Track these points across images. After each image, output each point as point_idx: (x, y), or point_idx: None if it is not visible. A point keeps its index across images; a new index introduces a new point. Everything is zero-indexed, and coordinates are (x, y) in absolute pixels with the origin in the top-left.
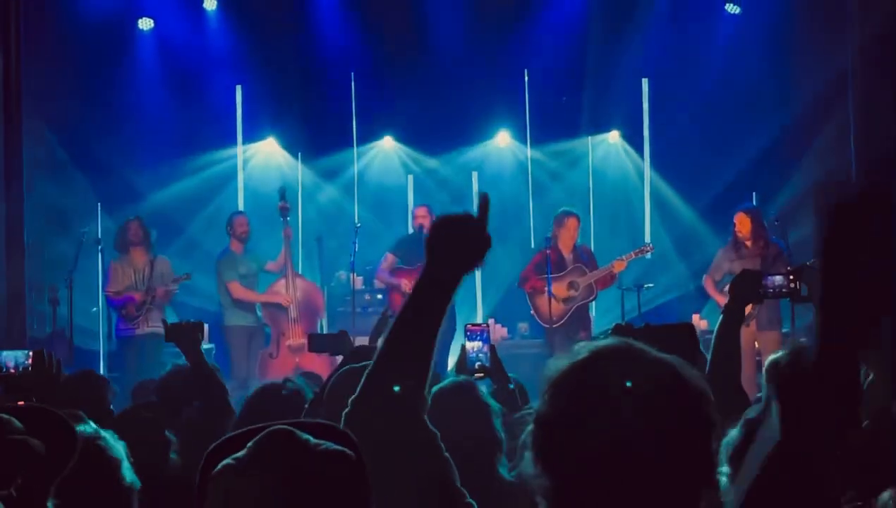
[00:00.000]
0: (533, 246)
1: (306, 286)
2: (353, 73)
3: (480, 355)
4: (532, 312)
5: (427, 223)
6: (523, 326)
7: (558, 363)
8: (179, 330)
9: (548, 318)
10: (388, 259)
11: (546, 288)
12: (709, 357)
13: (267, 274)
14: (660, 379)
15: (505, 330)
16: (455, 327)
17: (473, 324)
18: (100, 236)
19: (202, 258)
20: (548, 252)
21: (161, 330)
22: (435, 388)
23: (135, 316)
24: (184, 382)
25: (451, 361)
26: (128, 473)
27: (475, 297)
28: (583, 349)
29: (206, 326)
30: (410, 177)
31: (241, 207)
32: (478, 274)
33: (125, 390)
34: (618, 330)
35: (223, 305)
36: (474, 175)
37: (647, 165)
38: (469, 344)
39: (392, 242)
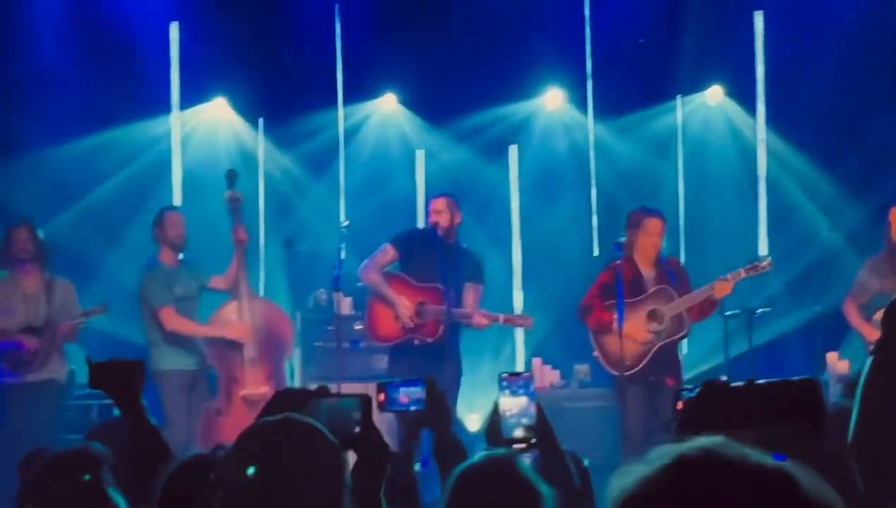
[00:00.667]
0: (597, 255)
1: (269, 311)
2: (337, 5)
3: (523, 418)
4: (595, 353)
5: (446, 221)
6: (582, 370)
7: (624, 480)
8: (110, 373)
9: (619, 362)
10: (387, 252)
11: (612, 319)
12: (854, 415)
13: (212, 295)
14: (768, 501)
15: (556, 374)
16: (460, 370)
17: (511, 374)
18: None
19: (120, 281)
20: (618, 266)
21: (59, 376)
22: (461, 467)
23: (28, 362)
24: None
25: (471, 420)
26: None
27: (514, 331)
28: (658, 457)
29: (146, 366)
30: (420, 155)
31: (176, 200)
32: (517, 296)
33: (4, 465)
34: (708, 392)
35: (150, 341)
36: (511, 152)
37: (760, 137)
38: (505, 402)
39: (395, 233)
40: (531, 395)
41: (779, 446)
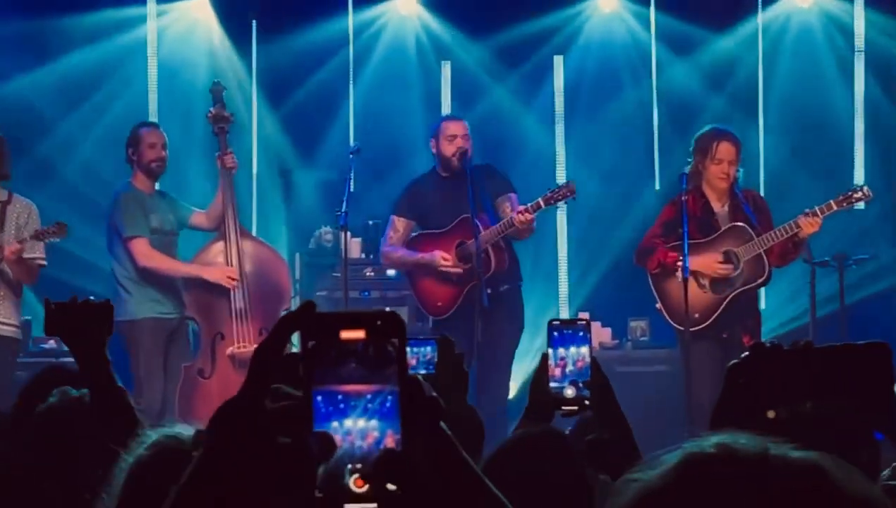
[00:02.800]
0: (658, 188)
1: (261, 253)
2: None
3: (576, 374)
4: (657, 305)
5: (466, 143)
6: (639, 326)
7: (630, 486)
8: (69, 317)
9: (684, 315)
10: (396, 224)
11: (680, 264)
12: None
13: (194, 234)
14: (792, 500)
15: (608, 333)
16: (522, 326)
17: (562, 321)
18: None
19: (88, 202)
20: (684, 200)
21: (10, 330)
22: (496, 447)
23: None
24: (64, 409)
25: (515, 384)
26: None
27: (557, 280)
28: (670, 459)
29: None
30: (446, 68)
31: (151, 115)
32: (562, 239)
33: None
34: (756, 356)
35: (120, 281)
36: (556, 63)
37: (859, 46)
38: (555, 354)
39: (399, 193)
40: (587, 347)
41: (838, 422)
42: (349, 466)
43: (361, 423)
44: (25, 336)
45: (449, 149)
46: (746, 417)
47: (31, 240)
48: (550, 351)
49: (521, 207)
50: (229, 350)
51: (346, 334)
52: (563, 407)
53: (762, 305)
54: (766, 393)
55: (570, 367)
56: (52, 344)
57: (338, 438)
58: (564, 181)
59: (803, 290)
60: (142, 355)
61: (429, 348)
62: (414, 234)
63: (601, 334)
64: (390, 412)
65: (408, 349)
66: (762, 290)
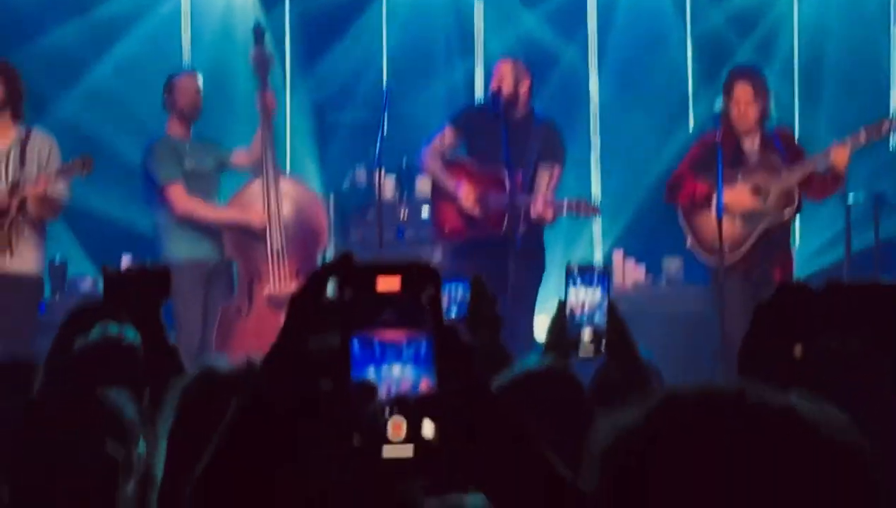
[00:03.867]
0: (692, 126)
1: (299, 194)
2: None
3: (593, 318)
4: (689, 240)
5: (509, 88)
6: (673, 264)
7: (609, 425)
8: (130, 284)
9: (715, 250)
10: (446, 135)
11: (712, 197)
12: None
13: (231, 175)
14: (767, 441)
15: (641, 269)
16: (544, 266)
17: (580, 265)
18: None
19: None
20: (717, 137)
21: (32, 268)
22: (507, 376)
23: None
24: (99, 362)
25: (541, 326)
26: None
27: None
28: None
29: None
30: (479, 7)
31: (186, 60)
32: (595, 177)
33: None
34: (782, 295)
35: (158, 226)
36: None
37: None
38: (573, 298)
39: (455, 112)
40: (605, 292)
41: (863, 358)
42: (386, 411)
43: (397, 370)
44: (60, 276)
45: (491, 87)
46: (773, 354)
47: (56, 176)
48: (570, 293)
49: (543, 200)
50: (266, 290)
51: (382, 284)
52: (581, 351)
53: (796, 242)
54: (793, 330)
55: (587, 311)
56: (87, 284)
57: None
58: (594, 203)
59: (838, 227)
60: (180, 297)
61: (461, 288)
62: (454, 157)
63: (635, 272)
64: (426, 358)
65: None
66: (796, 227)
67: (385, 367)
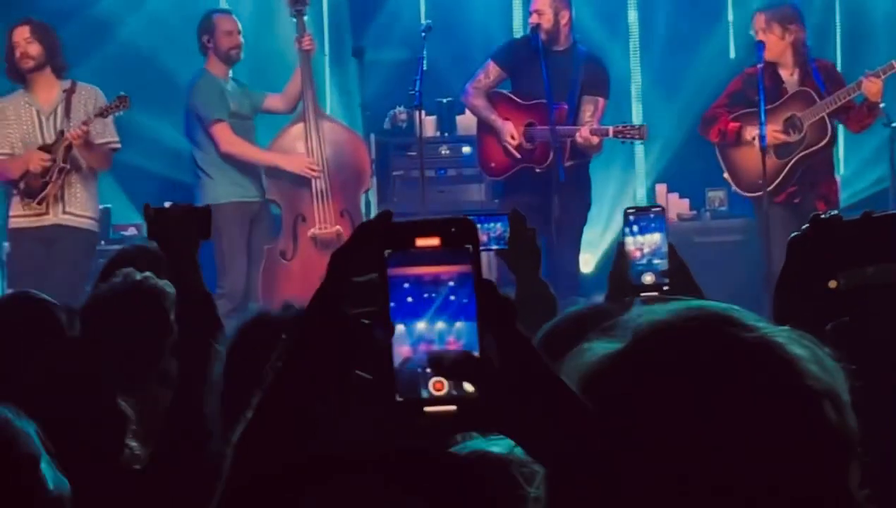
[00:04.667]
0: (734, 57)
1: (340, 135)
2: None
3: (654, 260)
4: (725, 174)
5: (549, 22)
6: (717, 197)
7: (587, 351)
8: (171, 221)
9: (752, 181)
10: (489, 70)
11: (742, 134)
12: None
13: (269, 118)
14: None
15: (686, 203)
16: (589, 201)
17: (638, 208)
18: None
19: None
20: (760, 68)
21: (85, 221)
22: (554, 321)
23: (38, 188)
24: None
25: (587, 261)
26: (48, 474)
27: (633, 152)
28: (624, 329)
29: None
30: None
31: (223, 2)
32: (636, 108)
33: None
34: (815, 228)
35: (201, 166)
36: None
37: None
38: (632, 242)
39: (498, 48)
40: (664, 234)
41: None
42: (427, 370)
43: (439, 325)
44: (105, 225)
45: (530, 22)
46: (808, 287)
47: (96, 118)
48: (627, 238)
49: (588, 128)
50: (311, 231)
51: (421, 242)
52: (642, 294)
53: (841, 171)
54: (827, 263)
55: (647, 254)
56: (132, 231)
57: (409, 349)
58: (640, 123)
59: (883, 155)
60: (224, 238)
61: (500, 224)
62: (498, 90)
63: (679, 205)
64: (466, 315)
65: (479, 225)
66: (840, 156)
67: (423, 323)
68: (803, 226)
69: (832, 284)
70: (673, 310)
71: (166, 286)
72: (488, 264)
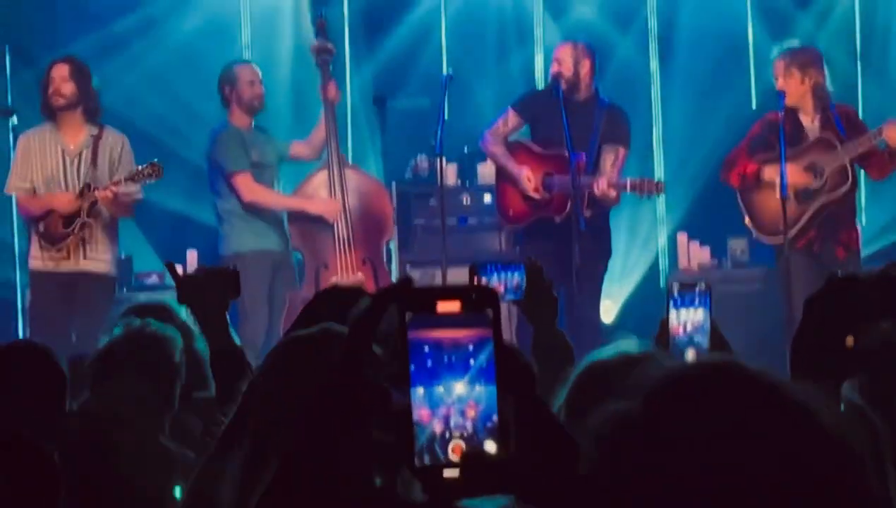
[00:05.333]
0: (755, 106)
1: (364, 183)
2: None
3: (696, 337)
4: (746, 220)
5: (569, 71)
6: (738, 246)
7: (602, 413)
8: (200, 286)
9: (773, 226)
10: (509, 118)
11: (761, 176)
12: None
13: (293, 166)
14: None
15: (706, 252)
16: (610, 250)
17: (682, 284)
18: (10, 101)
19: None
20: (781, 115)
21: (105, 267)
22: (591, 358)
23: (58, 236)
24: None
25: (607, 310)
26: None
27: (655, 199)
28: (638, 385)
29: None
30: None
31: (245, 52)
32: (659, 159)
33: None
34: (831, 286)
35: (223, 216)
36: None
37: None
38: (675, 317)
39: (518, 96)
40: (707, 310)
41: None
42: (447, 434)
43: (459, 389)
44: (127, 273)
45: (551, 71)
46: (825, 346)
47: (125, 182)
48: (671, 313)
49: (606, 180)
50: (333, 279)
51: (442, 306)
52: None
53: (862, 220)
54: (844, 321)
55: (689, 331)
56: (154, 279)
57: (428, 412)
58: (658, 179)
59: None
60: (246, 287)
61: (517, 274)
62: (517, 138)
63: (699, 254)
64: (486, 379)
65: (496, 274)
66: (862, 204)
67: (442, 387)
68: (819, 287)
69: (849, 341)
70: (683, 365)
71: (168, 331)
72: (507, 313)
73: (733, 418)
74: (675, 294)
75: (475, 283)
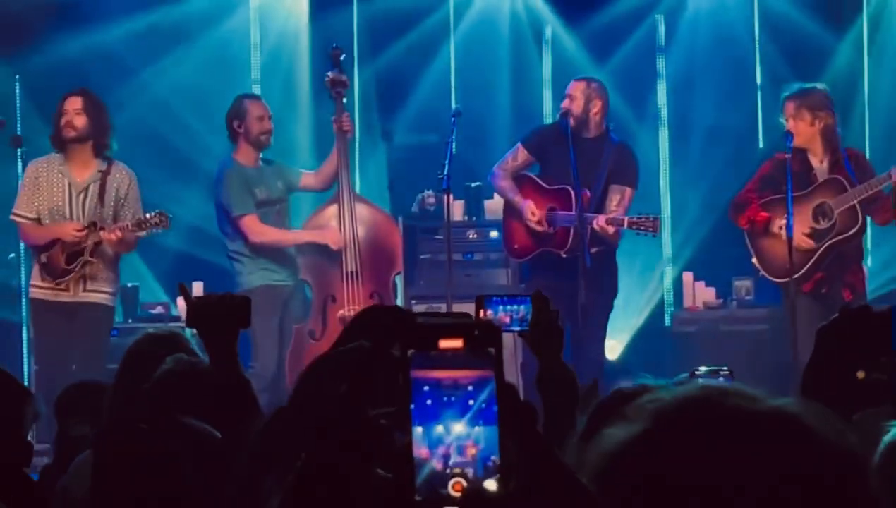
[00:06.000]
0: (762, 146)
1: (374, 217)
2: None
3: None
4: (753, 259)
5: (579, 109)
6: (744, 286)
7: (606, 440)
8: (210, 312)
9: (780, 267)
10: (519, 155)
11: (770, 225)
12: None
13: (303, 197)
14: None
15: (712, 292)
16: (616, 289)
17: (707, 370)
18: (19, 132)
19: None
20: (787, 156)
21: (107, 299)
22: (594, 405)
23: (60, 272)
24: (179, 374)
25: (612, 348)
26: None
27: (661, 240)
28: (639, 410)
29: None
30: (548, 29)
31: (254, 85)
32: (665, 196)
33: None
34: (843, 319)
35: (232, 256)
36: (659, 24)
37: None
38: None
39: (527, 132)
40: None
41: None
42: (447, 471)
43: (458, 429)
44: (133, 303)
45: (562, 107)
46: (837, 378)
47: (131, 229)
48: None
49: (605, 217)
50: (340, 312)
51: (444, 343)
52: None
53: (868, 262)
54: (855, 354)
55: None
56: (159, 309)
57: (427, 451)
58: (654, 217)
59: None
60: (257, 322)
61: (523, 306)
62: (525, 173)
63: (705, 293)
64: (485, 419)
65: (502, 306)
66: (868, 246)
67: (441, 426)
68: (832, 317)
69: (860, 375)
70: (682, 391)
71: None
72: (513, 345)
73: (735, 436)
74: (700, 380)
75: (481, 316)
